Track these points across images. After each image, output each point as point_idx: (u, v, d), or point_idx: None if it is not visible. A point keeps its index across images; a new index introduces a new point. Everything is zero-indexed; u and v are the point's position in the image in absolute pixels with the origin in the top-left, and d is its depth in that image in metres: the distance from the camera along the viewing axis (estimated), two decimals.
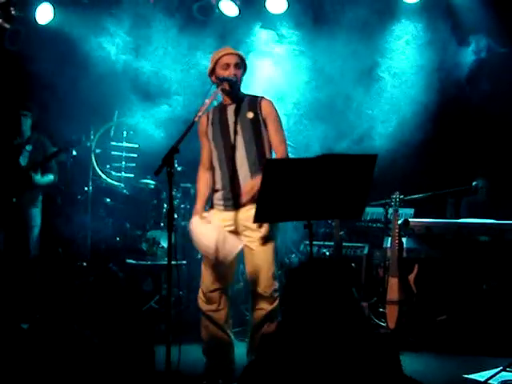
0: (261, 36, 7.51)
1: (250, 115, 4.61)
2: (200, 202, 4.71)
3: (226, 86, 4.56)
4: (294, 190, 3.85)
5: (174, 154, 3.93)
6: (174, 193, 6.59)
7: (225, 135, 4.61)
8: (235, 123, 4.60)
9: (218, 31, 7.37)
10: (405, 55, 7.17)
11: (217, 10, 7.27)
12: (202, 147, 4.76)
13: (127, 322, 5.56)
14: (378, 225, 6.69)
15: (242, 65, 4.66)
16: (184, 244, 6.24)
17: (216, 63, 4.63)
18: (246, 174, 4.54)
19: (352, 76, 7.16)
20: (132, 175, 7.22)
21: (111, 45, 7.41)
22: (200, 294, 4.67)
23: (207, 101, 4.41)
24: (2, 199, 6.49)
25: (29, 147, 6.66)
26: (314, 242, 6.58)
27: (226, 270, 4.61)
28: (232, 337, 4.71)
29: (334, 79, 7.20)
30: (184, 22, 7.35)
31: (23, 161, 6.62)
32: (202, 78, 6.59)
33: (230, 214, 4.58)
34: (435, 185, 6.66)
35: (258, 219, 4.09)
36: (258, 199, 3.94)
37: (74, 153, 6.68)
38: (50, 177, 6.67)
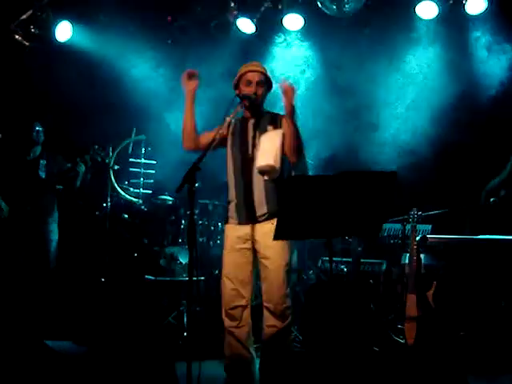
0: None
1: (270, 130, 4.65)
2: None
3: (247, 103, 4.63)
4: (313, 208, 3.86)
5: (195, 172, 3.96)
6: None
7: (243, 147, 4.66)
8: (254, 137, 4.65)
9: (234, 48, 7.45)
10: (420, 69, 7.17)
11: (234, 27, 7.32)
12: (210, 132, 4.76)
13: (147, 338, 5.59)
14: (396, 241, 6.67)
15: (265, 82, 4.71)
16: (202, 260, 6.26)
17: (240, 78, 4.70)
18: (261, 186, 4.57)
19: (368, 91, 7.20)
20: (150, 191, 7.25)
21: (129, 62, 7.48)
22: (223, 311, 4.68)
23: (228, 119, 4.48)
24: (23, 214, 6.55)
25: (43, 161, 6.74)
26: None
27: (244, 286, 4.64)
28: (254, 353, 4.70)
29: (348, 94, 7.25)
30: (201, 39, 7.41)
31: (42, 174, 6.70)
32: (219, 93, 6.67)
33: (245, 230, 4.61)
34: (453, 201, 6.64)
35: (278, 236, 4.09)
36: (278, 216, 3.96)
37: (99, 159, 6.71)
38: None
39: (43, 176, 6.69)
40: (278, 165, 4.45)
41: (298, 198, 3.84)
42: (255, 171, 4.56)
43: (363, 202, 3.90)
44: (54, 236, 6.73)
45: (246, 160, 4.62)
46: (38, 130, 6.73)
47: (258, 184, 4.57)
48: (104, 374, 4.08)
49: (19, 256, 6.57)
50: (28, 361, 3.94)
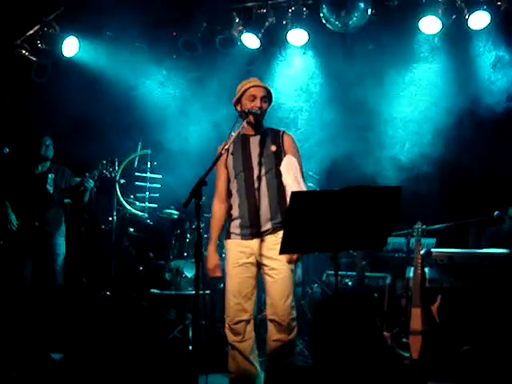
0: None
1: (273, 148, 4.68)
2: (214, 244, 4.80)
3: (252, 118, 4.64)
4: (319, 222, 3.89)
5: (202, 187, 3.99)
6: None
7: (247, 166, 4.66)
8: (259, 155, 4.66)
9: (239, 63, 7.52)
10: (428, 82, 7.21)
11: (239, 43, 7.37)
12: (219, 177, 4.78)
13: (152, 351, 5.60)
14: (400, 254, 6.68)
15: (268, 98, 4.74)
16: (206, 274, 6.27)
17: (243, 94, 4.71)
18: (266, 204, 4.59)
19: (371, 106, 7.24)
20: (155, 205, 7.28)
21: (135, 77, 7.55)
22: (226, 326, 4.69)
23: (233, 134, 4.48)
24: (30, 228, 6.58)
25: (51, 176, 6.77)
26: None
27: (248, 301, 4.66)
28: (258, 367, 4.70)
29: (352, 108, 7.29)
30: (207, 54, 7.47)
31: (50, 189, 6.73)
32: (221, 108, 6.73)
33: (248, 244, 4.63)
34: (456, 215, 6.66)
35: (284, 251, 4.12)
36: (284, 231, 3.98)
37: (107, 174, 6.73)
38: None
39: (51, 190, 6.72)
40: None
41: (304, 212, 3.86)
42: (262, 190, 4.60)
43: (369, 216, 3.93)
44: (61, 250, 6.74)
45: (250, 179, 4.64)
46: (47, 145, 6.77)
47: (264, 202, 4.59)
48: None
49: (26, 270, 6.60)
50: (35, 375, 3.96)
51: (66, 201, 6.76)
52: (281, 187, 4.62)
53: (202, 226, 6.53)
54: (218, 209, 4.80)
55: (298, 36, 7.24)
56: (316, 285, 6.77)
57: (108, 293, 6.78)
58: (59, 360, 4.17)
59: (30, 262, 6.62)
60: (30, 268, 6.62)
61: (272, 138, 4.72)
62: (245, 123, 4.60)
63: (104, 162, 6.68)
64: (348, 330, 2.80)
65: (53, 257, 6.65)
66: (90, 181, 6.60)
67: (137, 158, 7.30)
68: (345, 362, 2.77)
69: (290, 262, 4.54)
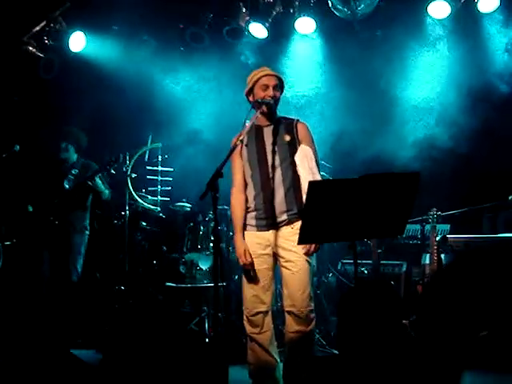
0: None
1: (287, 138, 4.64)
2: (240, 232, 4.69)
3: (265, 108, 4.60)
4: (337, 211, 3.86)
5: (218, 179, 3.97)
6: (210, 215, 6.65)
7: (262, 156, 4.63)
8: (273, 145, 4.63)
9: (247, 53, 7.49)
10: (439, 70, 7.15)
11: (246, 33, 7.34)
12: (235, 168, 4.74)
13: (169, 344, 5.59)
14: (416, 241, 6.65)
15: (280, 86, 4.71)
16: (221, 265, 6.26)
17: (255, 84, 4.67)
18: (281, 195, 4.56)
19: (382, 92, 7.20)
20: (168, 199, 7.26)
21: (143, 70, 7.51)
22: (244, 318, 4.68)
23: (247, 124, 4.45)
24: (47, 223, 6.57)
25: (75, 171, 6.75)
26: (351, 261, 6.57)
27: (265, 292, 4.64)
28: (277, 358, 4.69)
29: (362, 95, 7.24)
30: (214, 46, 7.43)
31: (68, 184, 6.71)
32: (233, 98, 6.69)
33: (265, 236, 4.61)
34: (470, 200, 6.62)
35: (303, 241, 4.10)
36: (302, 221, 3.96)
37: (113, 171, 6.70)
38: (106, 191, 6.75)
39: (67, 186, 6.70)
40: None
41: (321, 202, 3.84)
42: (276, 181, 4.57)
43: (387, 204, 3.91)
44: (80, 249, 6.72)
45: (265, 170, 4.61)
46: (62, 148, 6.77)
47: (279, 193, 4.57)
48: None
49: (44, 266, 6.60)
50: (56, 370, 3.95)
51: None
52: (296, 177, 4.58)
53: (209, 216, 6.65)
54: (238, 199, 4.73)
55: (305, 24, 7.21)
56: (331, 274, 6.75)
57: (122, 287, 6.75)
58: (100, 362, 4.17)
59: (48, 258, 6.61)
60: (48, 264, 6.61)
61: (286, 128, 4.68)
62: (258, 113, 4.57)
63: (121, 157, 6.64)
64: (374, 319, 2.77)
65: (69, 254, 6.62)
66: (97, 181, 6.56)
67: (147, 152, 7.27)
68: (371, 352, 2.74)
69: (307, 254, 4.51)
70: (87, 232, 6.81)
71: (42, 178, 6.78)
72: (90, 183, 6.52)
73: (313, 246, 4.50)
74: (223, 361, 3.84)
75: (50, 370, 3.93)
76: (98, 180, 6.57)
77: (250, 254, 4.60)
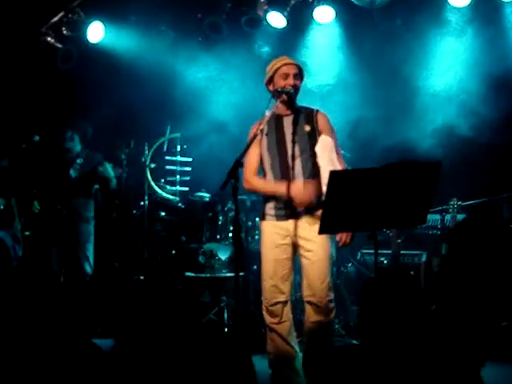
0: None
1: (307, 128, 4.62)
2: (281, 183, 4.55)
3: (285, 97, 4.58)
4: (358, 201, 3.86)
5: (239, 168, 3.96)
6: (229, 205, 6.65)
7: (281, 146, 4.61)
8: (293, 134, 4.61)
9: (265, 43, 7.47)
10: (460, 59, 7.08)
11: (264, 22, 7.31)
12: (250, 156, 4.63)
13: (189, 334, 5.60)
14: (435, 231, 6.61)
15: (300, 75, 4.69)
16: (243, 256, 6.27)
17: (275, 73, 4.65)
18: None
19: (401, 82, 7.15)
20: (187, 188, 7.27)
21: (161, 60, 7.51)
22: (263, 308, 4.68)
23: (267, 113, 4.43)
24: (54, 212, 6.59)
25: (80, 160, 6.73)
26: (370, 251, 6.55)
27: (284, 282, 4.63)
28: (297, 348, 4.70)
29: (381, 85, 7.20)
30: (232, 35, 7.42)
31: (74, 173, 6.70)
32: (251, 88, 6.67)
33: (284, 225, 4.58)
34: (490, 190, 6.56)
35: (324, 231, 4.09)
36: (324, 211, 3.95)
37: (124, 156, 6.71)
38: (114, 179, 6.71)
39: (73, 175, 6.68)
40: None
41: (343, 191, 3.84)
42: (296, 170, 4.55)
43: (408, 193, 3.90)
44: (88, 238, 6.71)
45: (285, 160, 4.58)
46: (67, 137, 6.75)
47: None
48: (144, 372, 4.09)
49: (52, 256, 6.62)
50: (80, 360, 3.96)
51: (96, 187, 6.73)
52: (315, 167, 4.56)
53: (233, 208, 6.63)
54: (255, 178, 4.68)
55: (324, 13, 7.16)
56: (350, 264, 6.73)
57: (141, 277, 6.78)
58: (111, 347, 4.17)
59: (56, 248, 6.62)
60: (56, 255, 6.63)
61: (306, 118, 4.66)
62: (278, 102, 4.56)
63: (120, 144, 6.64)
64: (396, 308, 2.76)
65: (78, 245, 6.61)
66: (109, 169, 6.55)
67: (166, 142, 7.27)
68: (393, 342, 2.73)
69: (342, 244, 4.51)
70: (93, 221, 6.78)
71: (49, 167, 6.78)
72: (100, 169, 6.52)
73: (344, 235, 4.48)
74: (246, 350, 3.82)
75: (73, 358, 3.94)
76: (107, 165, 6.57)
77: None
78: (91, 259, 6.65)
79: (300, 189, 4.44)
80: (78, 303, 6.47)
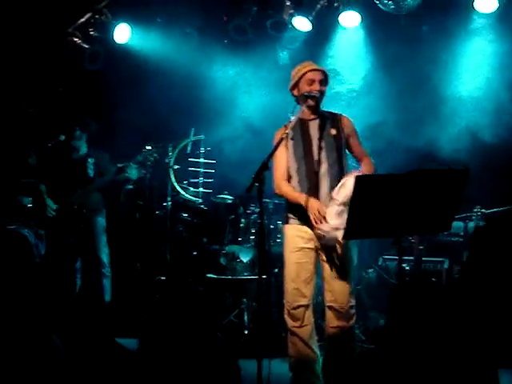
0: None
1: (333, 132, 4.65)
2: (305, 195, 4.54)
3: (312, 102, 4.61)
4: (383, 206, 3.86)
5: (264, 171, 3.98)
6: (252, 208, 6.68)
7: (308, 150, 4.63)
8: (319, 139, 4.63)
9: (290, 47, 7.48)
10: (486, 65, 7.05)
11: (290, 26, 7.31)
12: (279, 160, 4.67)
13: (209, 336, 5.62)
14: (457, 239, 6.57)
15: (325, 81, 4.70)
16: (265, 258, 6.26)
17: (300, 78, 4.68)
18: (326, 189, 4.55)
19: (427, 88, 7.12)
20: (210, 190, 7.29)
21: (186, 63, 7.53)
22: (285, 311, 4.69)
23: (293, 118, 4.46)
24: (70, 212, 6.65)
25: (91, 160, 6.82)
26: (392, 257, 6.54)
27: (306, 286, 4.64)
28: (318, 352, 4.70)
29: (406, 91, 7.17)
30: (258, 39, 7.43)
31: (91, 173, 6.80)
32: (276, 91, 6.68)
33: (307, 229, 4.59)
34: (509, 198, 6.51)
35: (348, 236, 4.09)
36: (348, 216, 3.96)
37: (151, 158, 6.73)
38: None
39: (91, 174, 6.77)
40: None
41: (368, 196, 3.84)
42: (322, 175, 4.56)
43: (434, 200, 3.89)
44: (102, 229, 6.81)
45: (311, 164, 4.59)
46: (74, 136, 6.83)
47: (324, 187, 4.56)
48: (167, 372, 4.11)
49: (68, 255, 6.68)
50: (104, 359, 4.00)
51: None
52: (341, 172, 4.58)
53: (256, 211, 6.67)
54: (285, 184, 4.68)
55: (350, 18, 7.14)
56: (372, 269, 6.71)
57: (163, 277, 6.82)
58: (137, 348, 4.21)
59: (72, 247, 6.69)
60: (72, 253, 6.71)
61: (331, 122, 4.69)
62: (304, 107, 4.59)
63: (148, 147, 6.65)
64: (423, 316, 2.76)
65: (94, 238, 6.73)
66: (134, 170, 6.58)
67: (190, 144, 7.30)
68: (420, 349, 2.74)
69: None
70: (105, 212, 6.89)
71: (64, 166, 6.84)
72: (127, 170, 6.55)
73: None
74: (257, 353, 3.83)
75: (98, 357, 3.97)
76: (133, 168, 6.60)
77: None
78: (107, 249, 6.78)
79: (315, 207, 4.41)
80: (98, 302, 6.53)
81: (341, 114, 4.77)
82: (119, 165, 6.69)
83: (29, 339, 3.46)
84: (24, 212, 6.84)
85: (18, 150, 6.96)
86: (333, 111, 4.80)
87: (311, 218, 4.40)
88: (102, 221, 6.84)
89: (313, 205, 4.40)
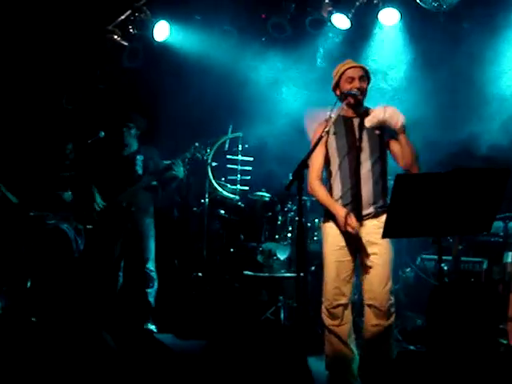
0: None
1: (377, 131, 4.62)
2: (333, 201, 4.60)
3: (352, 100, 4.60)
4: (423, 205, 3.84)
5: (304, 169, 3.98)
6: (289, 205, 6.67)
7: (350, 148, 4.61)
8: (360, 138, 4.61)
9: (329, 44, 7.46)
10: None
11: (328, 24, 7.29)
12: (317, 156, 4.65)
13: (245, 332, 5.63)
14: (497, 239, 6.48)
15: (366, 77, 4.68)
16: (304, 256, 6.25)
17: (340, 77, 4.67)
18: (369, 187, 4.55)
19: (469, 84, 7.03)
20: (247, 188, 7.31)
21: (224, 60, 7.55)
22: (323, 310, 4.68)
23: (333, 115, 4.45)
24: (119, 210, 6.65)
25: (140, 157, 6.79)
26: (431, 257, 6.48)
27: (346, 284, 4.63)
28: (355, 351, 4.69)
29: (447, 90, 7.09)
30: (296, 36, 7.42)
31: (140, 170, 6.75)
32: (314, 88, 6.66)
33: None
34: None
35: (387, 234, 4.07)
36: (388, 214, 3.94)
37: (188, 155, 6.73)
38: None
39: (140, 172, 6.73)
40: None
41: (408, 195, 3.82)
42: (364, 173, 4.54)
43: (475, 199, 3.85)
44: (151, 231, 6.75)
45: (354, 161, 4.58)
46: (127, 126, 6.78)
47: (366, 185, 4.54)
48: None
49: (114, 252, 6.67)
50: (141, 352, 4.04)
51: (153, 183, 6.78)
52: (383, 172, 4.57)
53: (293, 208, 6.67)
54: (318, 184, 4.68)
55: (389, 15, 7.09)
56: (409, 269, 6.66)
57: (200, 274, 6.85)
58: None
59: (119, 244, 6.67)
60: (119, 250, 6.68)
61: None
62: (344, 105, 4.59)
63: (196, 144, 6.66)
64: (465, 317, 2.74)
65: (142, 239, 6.66)
66: (181, 168, 6.54)
67: (228, 141, 7.33)
68: (460, 351, 2.71)
69: None
70: (153, 214, 6.82)
71: (113, 163, 6.84)
72: (175, 168, 6.50)
73: None
74: (301, 350, 3.84)
75: (136, 351, 4.02)
76: (180, 165, 6.55)
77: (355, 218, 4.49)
78: (153, 255, 6.69)
79: (340, 211, 4.49)
80: (139, 298, 6.57)
81: None
82: (165, 162, 6.69)
83: (81, 336, 3.51)
84: (64, 207, 6.92)
85: (57, 146, 7.04)
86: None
87: (341, 227, 4.48)
88: (150, 223, 6.75)
89: (341, 215, 4.47)
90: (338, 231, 4.60)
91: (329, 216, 4.67)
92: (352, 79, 4.62)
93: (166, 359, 3.88)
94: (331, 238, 4.64)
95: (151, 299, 6.58)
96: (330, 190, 4.70)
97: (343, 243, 4.59)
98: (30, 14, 7.32)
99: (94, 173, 6.78)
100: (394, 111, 4.46)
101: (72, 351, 3.36)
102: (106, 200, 6.66)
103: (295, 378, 4.18)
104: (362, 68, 4.71)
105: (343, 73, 4.67)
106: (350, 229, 4.43)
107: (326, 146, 4.70)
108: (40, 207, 7.01)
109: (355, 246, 4.59)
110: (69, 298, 6.41)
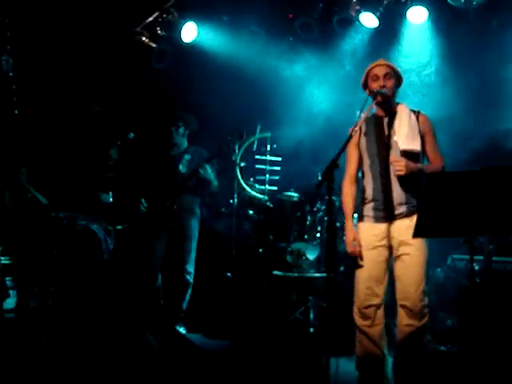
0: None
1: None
2: (351, 219, 4.69)
3: (380, 98, 4.57)
4: (455, 205, 3.79)
5: (334, 169, 3.96)
6: (318, 205, 6.65)
7: (381, 147, 4.59)
8: (389, 137, 4.58)
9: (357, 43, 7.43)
10: None
11: (356, 22, 7.27)
12: (349, 159, 4.73)
13: (273, 332, 5.65)
14: None
15: (393, 75, 4.65)
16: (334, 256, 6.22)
17: (367, 76, 4.68)
18: (400, 186, 4.51)
19: (499, 83, 6.96)
20: (275, 188, 7.31)
21: (252, 60, 7.57)
22: (355, 310, 4.64)
23: (363, 115, 4.43)
24: (162, 208, 6.64)
25: (187, 156, 6.78)
26: (462, 256, 6.42)
27: (379, 285, 4.59)
28: (386, 353, 4.63)
29: (477, 85, 7.03)
30: (323, 35, 7.41)
31: (183, 169, 6.75)
32: (343, 88, 6.64)
33: (382, 227, 4.56)
34: None
35: (418, 234, 4.03)
36: (419, 213, 3.91)
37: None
38: (215, 182, 6.68)
39: (183, 171, 6.71)
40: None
41: (439, 194, 3.78)
42: (393, 174, 4.50)
43: (506, 199, 3.79)
44: (195, 233, 6.74)
45: (385, 161, 4.55)
46: (176, 125, 6.77)
47: (397, 184, 4.51)
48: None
49: (157, 250, 6.67)
50: (171, 350, 4.07)
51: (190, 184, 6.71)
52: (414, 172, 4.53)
53: (322, 208, 6.65)
54: (350, 189, 4.74)
55: (417, 13, 7.07)
56: (439, 269, 6.60)
57: (229, 274, 6.86)
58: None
59: (162, 243, 6.67)
60: (161, 249, 6.67)
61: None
62: (373, 104, 4.56)
63: (229, 138, 6.63)
64: (497, 317, 2.71)
65: (185, 240, 6.65)
66: (208, 170, 6.51)
67: (256, 141, 7.33)
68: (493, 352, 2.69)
69: None
70: (199, 216, 6.81)
71: (155, 164, 6.86)
72: (201, 172, 6.48)
73: None
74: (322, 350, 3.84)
75: (167, 348, 4.05)
76: (208, 168, 6.53)
77: (360, 243, 4.57)
78: (193, 256, 6.67)
79: (348, 235, 4.63)
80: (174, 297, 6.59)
81: (419, 112, 4.70)
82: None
83: (125, 337, 3.55)
84: (100, 208, 6.97)
85: (97, 147, 7.10)
86: (412, 108, 4.73)
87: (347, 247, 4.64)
88: (195, 224, 6.73)
89: (349, 240, 4.63)
90: (373, 231, 4.58)
91: (363, 215, 4.66)
92: (377, 77, 4.61)
93: (198, 359, 3.91)
94: (365, 237, 4.61)
95: (184, 305, 6.60)
96: (363, 190, 4.69)
97: (377, 243, 4.56)
98: (60, 17, 7.41)
99: (137, 174, 6.81)
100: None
101: (118, 352, 3.39)
102: (149, 199, 6.66)
103: (311, 377, 4.18)
104: (388, 66, 4.68)
105: (369, 71, 4.67)
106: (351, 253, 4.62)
107: (359, 148, 4.70)
108: (71, 208, 7.07)
109: (388, 245, 4.56)
110: (98, 297, 6.46)
